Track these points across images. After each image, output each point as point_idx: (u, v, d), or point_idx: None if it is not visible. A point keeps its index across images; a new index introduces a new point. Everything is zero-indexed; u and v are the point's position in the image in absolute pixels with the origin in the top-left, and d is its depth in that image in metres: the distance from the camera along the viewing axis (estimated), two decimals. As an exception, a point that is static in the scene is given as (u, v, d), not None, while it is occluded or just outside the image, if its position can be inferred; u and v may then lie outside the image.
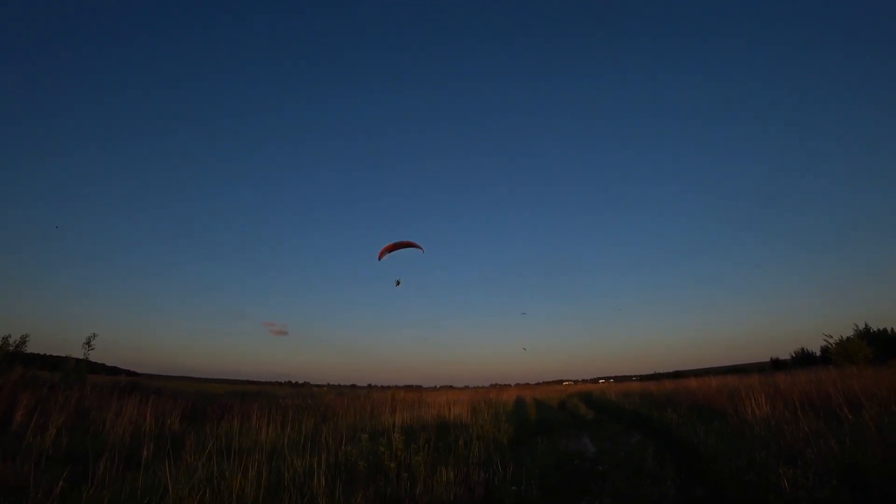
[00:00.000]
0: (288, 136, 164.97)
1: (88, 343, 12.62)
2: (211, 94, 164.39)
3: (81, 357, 12.69)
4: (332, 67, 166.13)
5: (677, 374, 59.21)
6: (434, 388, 54.25)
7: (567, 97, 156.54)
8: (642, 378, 73.62)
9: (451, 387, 69.89)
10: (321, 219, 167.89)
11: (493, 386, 36.65)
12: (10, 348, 11.54)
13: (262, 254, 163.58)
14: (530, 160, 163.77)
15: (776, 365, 45.39)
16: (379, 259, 16.28)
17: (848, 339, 21.44)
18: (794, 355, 42.23)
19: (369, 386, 74.11)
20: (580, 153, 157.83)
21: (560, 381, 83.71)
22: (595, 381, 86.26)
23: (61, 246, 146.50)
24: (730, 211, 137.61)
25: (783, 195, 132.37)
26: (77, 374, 12.21)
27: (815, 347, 39.83)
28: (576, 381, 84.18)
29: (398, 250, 16.63)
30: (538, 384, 71.71)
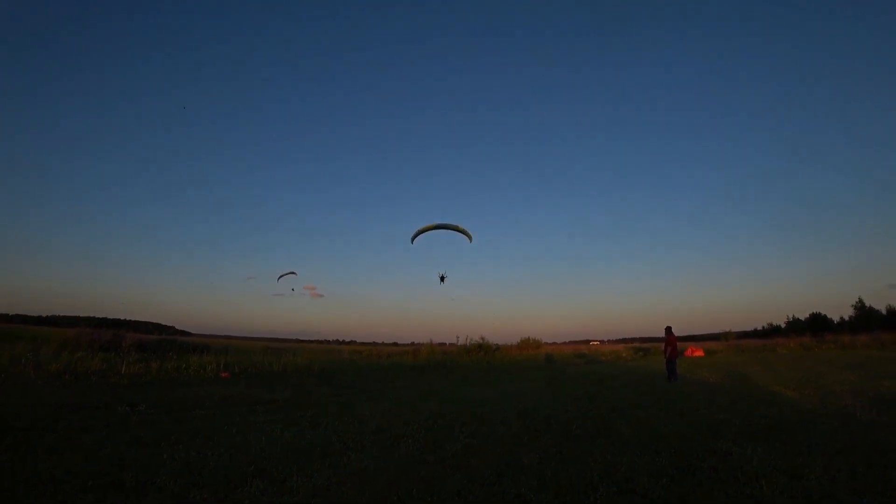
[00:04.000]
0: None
1: None
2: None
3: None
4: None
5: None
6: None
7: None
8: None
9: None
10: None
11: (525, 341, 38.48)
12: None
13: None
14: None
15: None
16: (412, 242, 17.16)
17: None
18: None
19: (412, 343, 79.24)
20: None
21: (587, 342, 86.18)
22: (615, 342, 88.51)
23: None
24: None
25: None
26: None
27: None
28: (602, 342, 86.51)
29: (435, 231, 16.84)
30: (565, 342, 74.57)
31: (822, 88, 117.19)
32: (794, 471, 4.82)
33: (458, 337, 34.71)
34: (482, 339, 34.71)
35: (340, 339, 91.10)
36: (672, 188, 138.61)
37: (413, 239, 17.14)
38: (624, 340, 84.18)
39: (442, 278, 17.71)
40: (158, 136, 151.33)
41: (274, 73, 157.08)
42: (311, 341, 77.18)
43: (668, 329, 15.75)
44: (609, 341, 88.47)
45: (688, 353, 33.62)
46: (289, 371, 17.29)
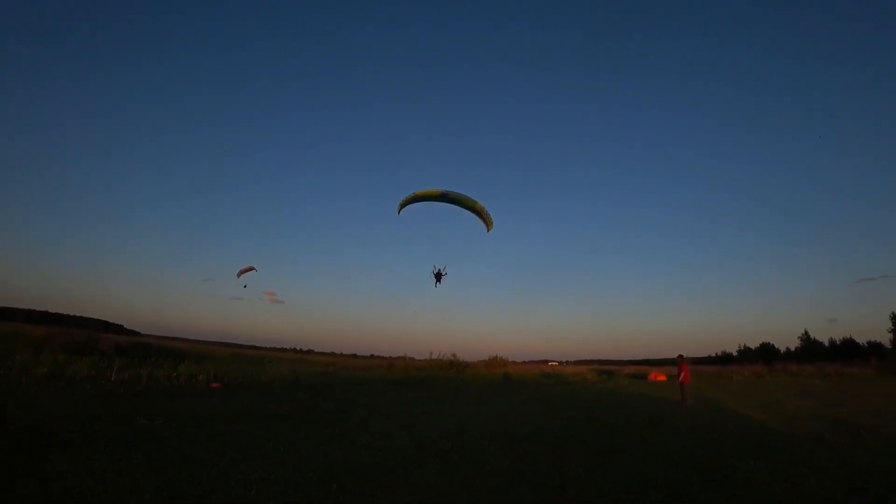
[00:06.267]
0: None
1: None
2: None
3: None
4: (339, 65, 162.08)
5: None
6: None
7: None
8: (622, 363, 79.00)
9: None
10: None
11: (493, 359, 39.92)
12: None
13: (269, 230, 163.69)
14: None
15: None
16: (398, 212, 13.22)
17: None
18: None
19: (372, 356, 78.36)
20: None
21: (545, 362, 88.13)
22: (575, 363, 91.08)
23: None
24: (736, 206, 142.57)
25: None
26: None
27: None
28: (560, 362, 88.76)
29: (435, 203, 12.65)
30: (524, 362, 76.34)
31: (767, 127, 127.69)
32: (793, 479, 5.98)
33: (431, 353, 35.35)
34: (454, 356, 35.90)
35: (298, 348, 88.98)
36: (628, 222, 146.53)
37: (400, 208, 12.91)
38: (583, 362, 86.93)
39: (438, 277, 13.91)
40: (113, 132, 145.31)
41: (234, 71, 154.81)
42: (269, 348, 75.23)
43: (681, 357, 17.27)
44: (567, 362, 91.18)
45: (651, 377, 35.71)
46: (278, 383, 17.47)
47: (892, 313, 45.98)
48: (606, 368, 48.51)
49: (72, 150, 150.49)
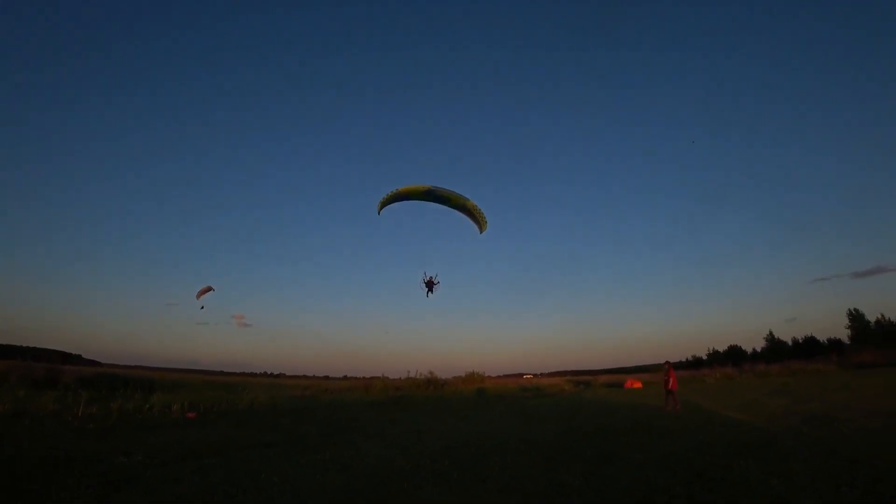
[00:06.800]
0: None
1: None
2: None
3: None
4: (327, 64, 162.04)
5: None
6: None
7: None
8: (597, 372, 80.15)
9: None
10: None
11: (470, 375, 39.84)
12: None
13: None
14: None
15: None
16: (378, 212, 12.25)
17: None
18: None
19: (345, 377, 77.03)
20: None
21: (521, 375, 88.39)
22: (550, 375, 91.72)
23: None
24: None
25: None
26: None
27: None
28: (535, 375, 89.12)
29: (403, 201, 11.77)
30: (499, 376, 76.39)
31: (739, 138, 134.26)
32: (786, 475, 6.20)
33: (408, 371, 35.09)
34: (431, 373, 35.74)
35: (269, 372, 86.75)
36: (597, 233, 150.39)
37: (381, 208, 11.89)
38: (559, 373, 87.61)
39: (429, 286, 12.98)
40: (57, 148, 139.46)
41: (193, 81, 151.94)
42: (240, 374, 72.76)
43: (668, 364, 17.58)
44: (543, 374, 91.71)
45: (627, 384, 36.33)
46: (256, 410, 16.91)
47: (849, 310, 48.70)
48: (582, 378, 49.04)
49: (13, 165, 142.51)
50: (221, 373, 69.63)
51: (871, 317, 47.41)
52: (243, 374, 74.09)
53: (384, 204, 11.73)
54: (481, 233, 12.10)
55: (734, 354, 55.84)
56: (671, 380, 16.95)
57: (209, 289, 27.41)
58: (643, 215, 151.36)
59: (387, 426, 13.79)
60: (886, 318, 45.99)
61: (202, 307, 28.05)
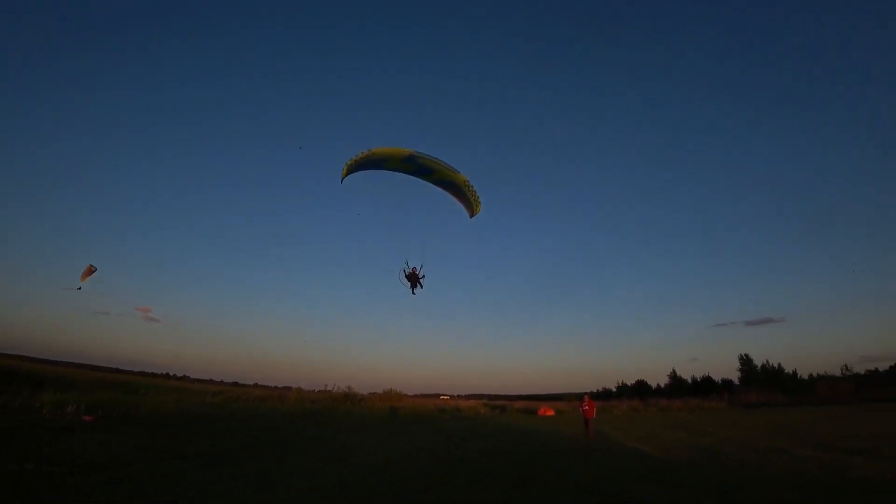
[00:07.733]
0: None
1: None
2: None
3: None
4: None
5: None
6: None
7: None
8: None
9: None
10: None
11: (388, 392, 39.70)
12: None
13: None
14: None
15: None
16: (342, 180, 9.99)
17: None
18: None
19: (256, 384, 73.02)
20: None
21: (437, 395, 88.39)
22: (466, 397, 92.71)
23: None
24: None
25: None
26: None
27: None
28: (452, 396, 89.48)
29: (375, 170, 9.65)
30: (415, 395, 76.31)
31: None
32: (676, 499, 7.07)
33: (325, 385, 34.64)
34: (349, 388, 35.47)
35: (172, 373, 79.98)
36: (514, 260, 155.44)
37: (346, 173, 9.75)
38: (475, 396, 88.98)
39: (414, 281, 10.97)
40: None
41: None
42: (138, 373, 66.47)
43: (587, 395, 18.88)
44: (460, 396, 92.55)
45: (540, 412, 37.77)
46: (163, 416, 15.86)
47: (740, 355, 54.52)
48: (497, 403, 50.18)
49: None
50: (117, 370, 63.42)
51: (758, 361, 53.44)
52: (143, 373, 67.82)
53: (351, 169, 9.59)
54: (472, 216, 10.47)
55: (641, 389, 60.15)
56: (591, 408, 18.15)
57: (92, 269, 25.00)
58: (564, 249, 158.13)
59: (308, 442, 13.55)
60: (770, 364, 52.12)
61: (79, 287, 25.35)
